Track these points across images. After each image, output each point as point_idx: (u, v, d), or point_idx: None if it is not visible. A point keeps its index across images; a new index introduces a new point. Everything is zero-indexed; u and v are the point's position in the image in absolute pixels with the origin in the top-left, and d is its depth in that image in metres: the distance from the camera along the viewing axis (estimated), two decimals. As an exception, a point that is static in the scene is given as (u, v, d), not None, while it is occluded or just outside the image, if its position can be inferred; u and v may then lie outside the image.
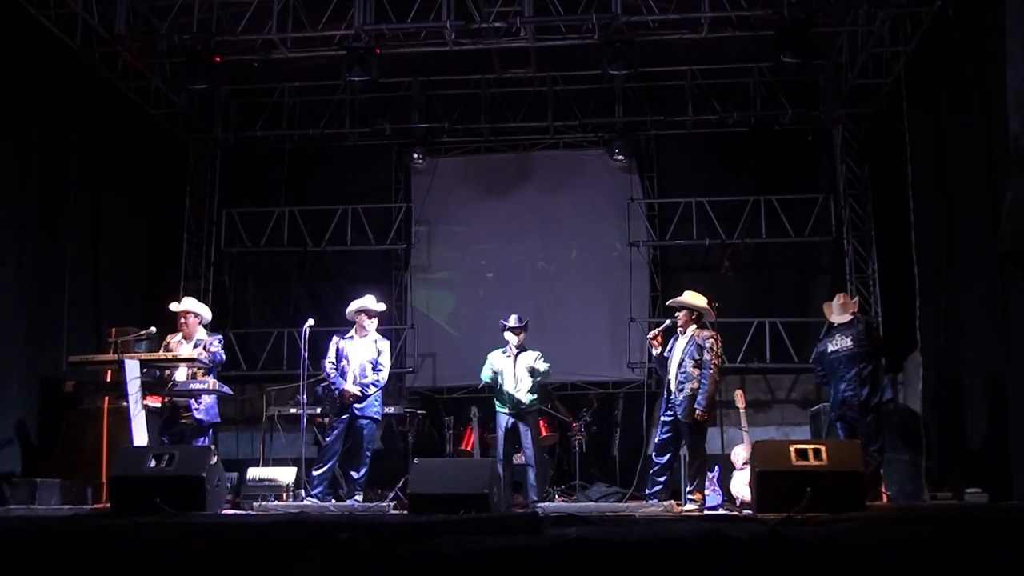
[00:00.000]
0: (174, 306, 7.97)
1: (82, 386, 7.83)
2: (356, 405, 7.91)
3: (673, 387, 7.38)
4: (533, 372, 8.27)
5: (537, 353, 8.41)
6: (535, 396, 8.39)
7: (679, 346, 7.47)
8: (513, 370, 8.32)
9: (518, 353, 8.37)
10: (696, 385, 7.26)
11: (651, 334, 7.71)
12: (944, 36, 8.23)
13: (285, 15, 9.05)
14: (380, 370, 8.06)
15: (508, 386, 8.30)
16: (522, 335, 8.41)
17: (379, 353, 8.09)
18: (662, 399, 7.62)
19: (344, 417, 7.92)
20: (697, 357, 7.31)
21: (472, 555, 2.99)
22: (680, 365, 7.36)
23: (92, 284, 9.51)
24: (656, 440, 7.65)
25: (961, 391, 8.09)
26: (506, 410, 8.32)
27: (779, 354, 10.67)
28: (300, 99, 11.43)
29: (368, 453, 7.98)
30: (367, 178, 11.82)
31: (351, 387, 7.89)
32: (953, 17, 7.88)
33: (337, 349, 8.07)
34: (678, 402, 7.31)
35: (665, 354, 7.54)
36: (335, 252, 11.51)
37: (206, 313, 8.06)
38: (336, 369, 8.01)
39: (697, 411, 7.23)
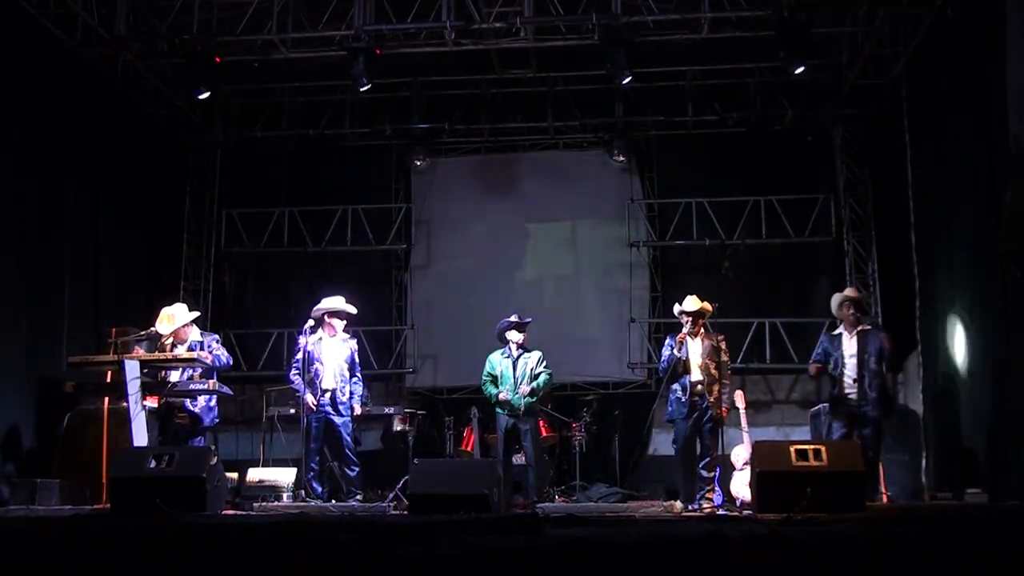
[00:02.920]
0: (163, 329, 7.65)
1: (82, 387, 7.81)
2: (329, 408, 7.91)
3: (701, 389, 7.53)
4: (534, 391, 8.23)
5: (539, 355, 8.35)
6: (534, 399, 8.33)
7: (695, 350, 7.61)
8: (513, 373, 8.26)
9: (519, 355, 8.32)
10: (719, 386, 7.55)
11: (680, 336, 7.61)
12: (944, 36, 8.23)
13: (285, 15, 9.05)
14: (357, 372, 8.18)
15: (506, 392, 8.24)
16: (524, 333, 8.37)
17: (352, 352, 8.14)
18: (680, 403, 7.58)
19: (319, 416, 7.91)
20: (716, 359, 7.56)
21: (472, 555, 2.99)
22: (705, 369, 7.55)
23: (92, 284, 9.50)
24: (681, 446, 7.70)
25: (961, 391, 8.09)
26: (505, 411, 8.31)
27: (779, 354, 10.67)
28: (300, 99, 11.42)
29: (350, 450, 7.98)
30: (367, 178, 11.81)
31: (312, 400, 7.89)
32: (953, 17, 7.88)
33: (307, 352, 7.96)
34: (709, 404, 7.51)
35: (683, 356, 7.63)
36: (335, 252, 11.50)
37: (192, 316, 7.88)
38: (309, 373, 7.91)
39: (725, 407, 7.56)
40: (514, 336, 8.35)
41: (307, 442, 7.91)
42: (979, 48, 7.33)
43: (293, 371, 7.99)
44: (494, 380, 8.35)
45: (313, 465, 7.93)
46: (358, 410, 8.19)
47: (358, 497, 7.84)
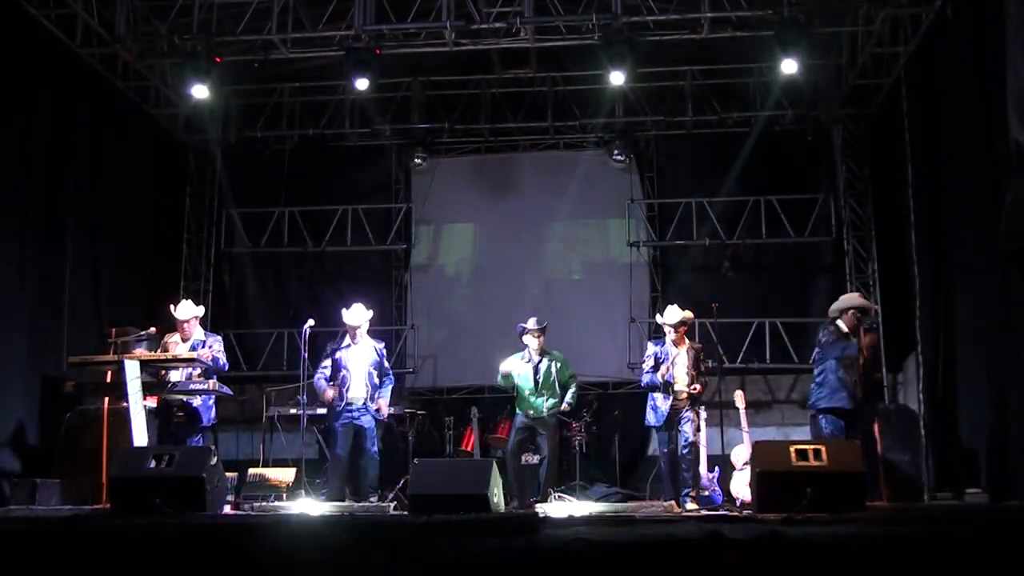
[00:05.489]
0: (180, 314, 7.69)
1: (82, 386, 7.81)
2: (356, 414, 7.89)
3: (685, 398, 7.72)
4: (564, 399, 8.20)
5: (561, 359, 8.25)
6: (555, 401, 8.22)
7: (680, 361, 7.75)
8: (533, 377, 8.16)
9: (539, 360, 8.19)
10: (702, 389, 7.82)
11: (663, 370, 7.78)
12: (944, 36, 8.23)
13: (285, 15, 9.05)
14: (389, 371, 8.15)
15: (527, 396, 8.17)
16: (541, 338, 8.21)
17: (381, 356, 8.08)
18: (658, 412, 7.79)
19: (346, 422, 7.90)
20: (698, 370, 7.77)
21: (472, 556, 2.99)
22: (691, 379, 7.72)
23: (92, 284, 9.50)
24: (664, 448, 7.87)
25: (960, 391, 8.08)
26: (524, 413, 8.23)
27: (779, 354, 10.67)
28: (300, 99, 11.43)
29: (373, 454, 7.95)
30: (367, 178, 11.82)
31: (332, 395, 7.87)
32: (953, 17, 7.88)
33: (335, 360, 7.99)
34: (687, 408, 7.71)
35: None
36: (335, 252, 11.51)
37: (201, 312, 7.95)
38: (337, 380, 7.92)
39: (699, 386, 7.79)
40: (530, 342, 8.20)
41: (332, 448, 7.98)
42: (979, 48, 7.33)
43: (319, 377, 7.98)
44: (508, 377, 8.24)
45: (328, 468, 7.90)
46: (384, 409, 7.99)
47: (373, 499, 7.82)
